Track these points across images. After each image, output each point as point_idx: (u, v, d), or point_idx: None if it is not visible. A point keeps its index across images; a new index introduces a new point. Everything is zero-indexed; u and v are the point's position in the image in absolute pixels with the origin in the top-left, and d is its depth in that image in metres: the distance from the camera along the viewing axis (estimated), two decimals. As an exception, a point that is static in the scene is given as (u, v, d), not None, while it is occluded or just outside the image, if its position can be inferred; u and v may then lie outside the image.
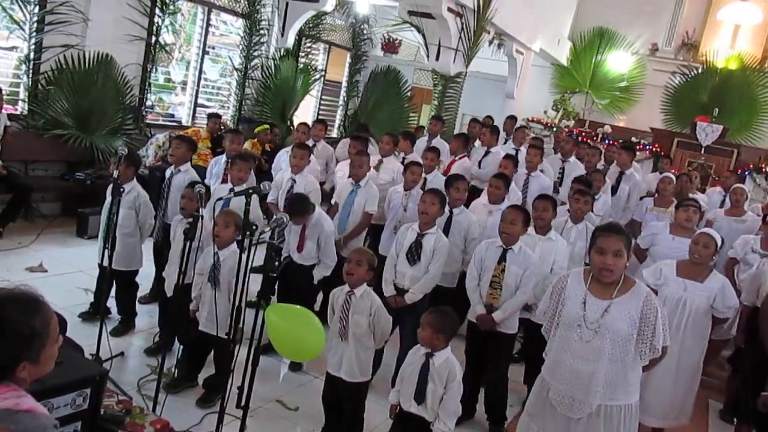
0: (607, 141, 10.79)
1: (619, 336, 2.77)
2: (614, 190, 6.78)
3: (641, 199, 6.79)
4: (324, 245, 4.53)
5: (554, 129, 11.28)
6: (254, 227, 3.01)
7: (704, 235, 4.08)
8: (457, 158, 7.05)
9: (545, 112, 12.19)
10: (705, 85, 11.89)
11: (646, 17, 12.35)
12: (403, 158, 6.61)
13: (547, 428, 2.97)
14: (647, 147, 10.42)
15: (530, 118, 11.82)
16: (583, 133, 11.08)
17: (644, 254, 5.16)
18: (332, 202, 5.50)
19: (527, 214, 4.12)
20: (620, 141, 9.66)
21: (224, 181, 5.31)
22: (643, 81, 12.49)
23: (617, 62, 12.57)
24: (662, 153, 10.24)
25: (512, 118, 9.09)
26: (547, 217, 4.41)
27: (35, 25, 6.53)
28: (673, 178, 6.61)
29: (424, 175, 5.95)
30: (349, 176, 5.38)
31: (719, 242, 4.14)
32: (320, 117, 11.39)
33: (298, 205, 4.41)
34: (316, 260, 4.56)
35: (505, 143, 8.29)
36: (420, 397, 3.13)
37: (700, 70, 11.99)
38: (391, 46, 12.66)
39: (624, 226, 4.21)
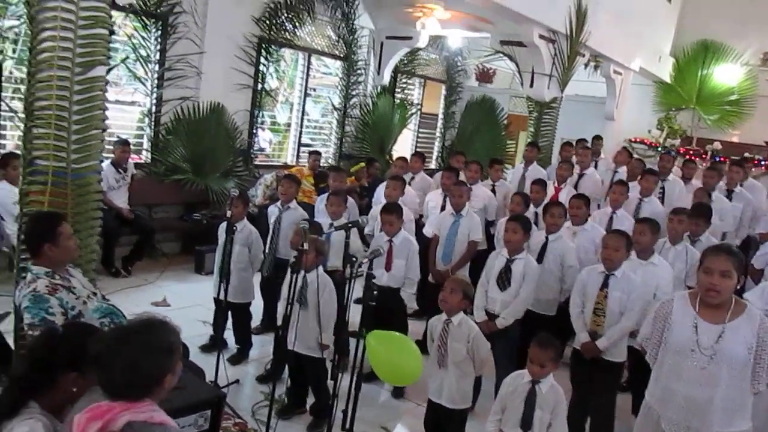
0: (717, 158, 10.31)
1: (736, 362, 2.67)
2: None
3: None
4: (410, 260, 4.66)
5: (659, 149, 10.90)
6: (354, 259, 3.19)
7: None
8: (562, 186, 6.91)
9: (649, 132, 11.80)
10: (827, 93, 11.12)
11: (754, 25, 11.72)
12: (493, 185, 6.78)
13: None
14: (762, 162, 9.87)
15: (633, 139, 11.49)
16: (691, 152, 10.64)
17: (759, 275, 4.91)
18: (429, 232, 5.59)
19: (630, 240, 4.06)
20: (731, 158, 9.21)
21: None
22: (756, 92, 11.80)
23: (725, 75, 11.98)
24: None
25: (598, 138, 8.88)
26: (643, 242, 4.31)
27: (156, 81, 7.21)
28: None
29: (533, 209, 5.85)
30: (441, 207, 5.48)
31: None
32: (417, 149, 11.61)
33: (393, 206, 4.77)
34: (403, 282, 4.67)
35: (595, 165, 8.10)
36: (526, 425, 3.13)
37: (819, 77, 11.24)
38: (485, 76, 12.74)
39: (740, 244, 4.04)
